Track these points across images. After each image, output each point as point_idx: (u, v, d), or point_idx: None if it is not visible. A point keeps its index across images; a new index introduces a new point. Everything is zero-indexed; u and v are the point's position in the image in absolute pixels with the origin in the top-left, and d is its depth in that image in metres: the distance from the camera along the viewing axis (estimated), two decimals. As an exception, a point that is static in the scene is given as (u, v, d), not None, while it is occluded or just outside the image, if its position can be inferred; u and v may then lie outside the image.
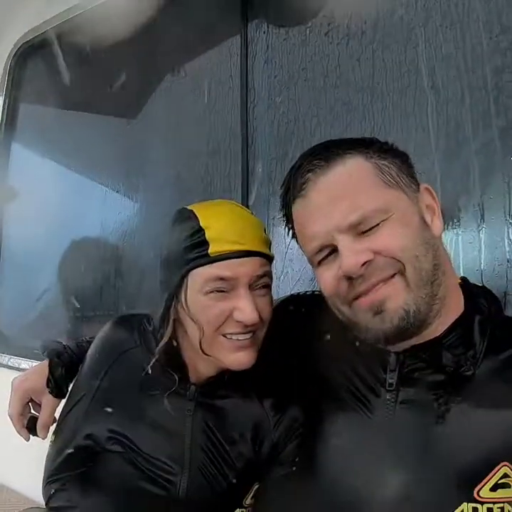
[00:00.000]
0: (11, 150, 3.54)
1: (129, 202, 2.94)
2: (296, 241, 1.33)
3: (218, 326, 1.35)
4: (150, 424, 1.45)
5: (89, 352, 1.61)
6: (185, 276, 1.36)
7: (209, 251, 1.33)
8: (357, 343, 1.32)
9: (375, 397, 1.26)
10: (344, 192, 1.17)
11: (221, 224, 1.36)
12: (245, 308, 1.32)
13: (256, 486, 1.46)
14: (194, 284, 1.35)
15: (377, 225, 1.15)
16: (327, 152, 1.21)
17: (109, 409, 1.48)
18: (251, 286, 1.35)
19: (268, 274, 1.39)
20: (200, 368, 1.47)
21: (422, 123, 1.86)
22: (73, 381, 1.64)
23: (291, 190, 1.26)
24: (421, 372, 1.22)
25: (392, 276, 1.15)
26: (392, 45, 1.97)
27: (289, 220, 1.32)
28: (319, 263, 1.24)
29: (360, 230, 1.15)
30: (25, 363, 2.88)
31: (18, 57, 3.52)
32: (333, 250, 1.19)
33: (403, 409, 1.21)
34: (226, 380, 1.46)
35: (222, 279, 1.32)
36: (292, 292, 1.76)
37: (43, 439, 1.67)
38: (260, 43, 2.40)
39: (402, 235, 1.15)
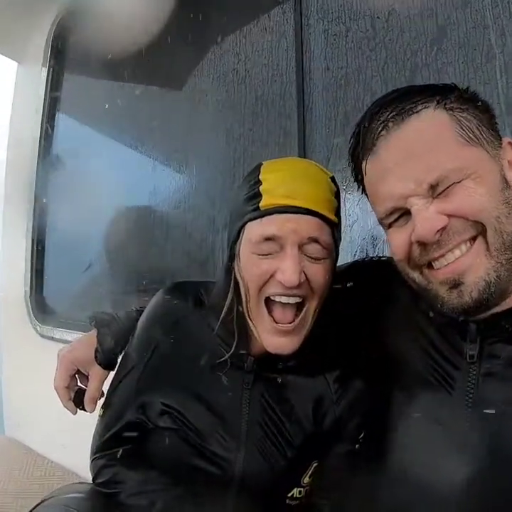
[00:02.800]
0: (57, 121, 3.49)
1: (178, 172, 2.87)
2: (367, 197, 1.23)
3: (261, 285, 1.28)
4: (205, 398, 1.38)
5: (141, 321, 1.54)
6: (241, 229, 1.31)
7: (260, 204, 1.26)
8: (431, 313, 1.23)
9: (455, 370, 1.16)
10: (418, 151, 1.07)
11: (277, 177, 1.29)
12: (287, 269, 1.23)
13: (315, 464, 1.38)
14: (247, 240, 1.30)
15: (454, 184, 1.05)
16: (400, 103, 1.10)
17: (162, 382, 1.41)
18: (302, 249, 1.26)
19: (325, 240, 1.28)
20: (257, 339, 1.37)
21: (490, 78, 1.73)
22: (123, 352, 1.57)
23: (361, 145, 1.16)
24: (504, 343, 1.11)
25: (471, 240, 1.07)
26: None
27: (358, 175, 1.22)
28: (390, 225, 1.15)
29: (436, 191, 1.06)
30: (72, 335, 2.86)
31: (60, 26, 3.46)
32: (406, 213, 1.10)
33: (487, 383, 1.11)
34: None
35: (268, 238, 1.25)
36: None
37: (91, 412, 1.60)
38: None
39: (481, 195, 1.05)
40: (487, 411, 1.09)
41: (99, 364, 1.58)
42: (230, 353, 1.38)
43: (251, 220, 1.28)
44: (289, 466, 1.36)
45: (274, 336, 1.29)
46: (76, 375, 1.63)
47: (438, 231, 1.05)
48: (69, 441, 2.70)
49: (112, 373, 1.58)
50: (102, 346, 1.57)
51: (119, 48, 3.14)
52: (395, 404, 1.24)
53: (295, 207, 1.24)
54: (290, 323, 1.29)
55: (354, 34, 2.11)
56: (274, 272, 1.25)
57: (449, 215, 1.05)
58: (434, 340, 1.21)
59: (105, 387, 1.58)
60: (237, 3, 2.64)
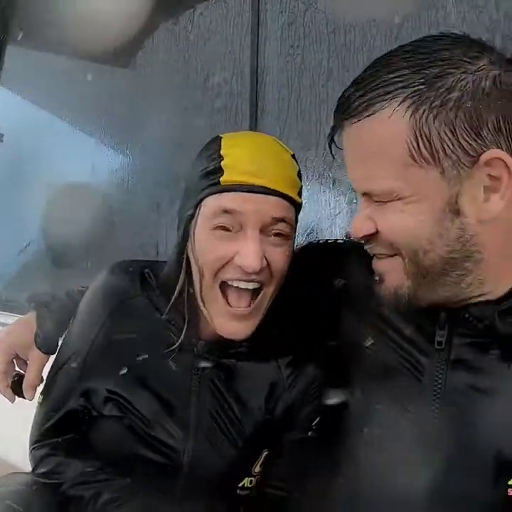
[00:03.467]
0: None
1: (121, 151, 2.82)
2: None
3: (217, 269, 1.20)
4: (152, 384, 1.31)
5: (83, 302, 1.45)
6: (197, 205, 1.22)
7: (221, 179, 1.18)
8: None
9: (422, 356, 1.12)
10: (362, 157, 1.01)
11: (241, 152, 1.21)
12: (248, 254, 1.16)
13: (265, 453, 1.34)
14: (203, 217, 1.21)
15: (391, 201, 0.99)
16: (371, 88, 0.98)
17: (107, 368, 1.33)
18: (263, 231, 1.18)
19: (288, 221, 1.20)
20: (208, 323, 1.30)
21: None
22: (64, 335, 1.48)
23: (339, 113, 1.05)
24: (472, 332, 1.08)
25: (392, 256, 1.05)
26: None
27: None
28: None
29: (371, 197, 1.02)
30: (10, 318, 2.70)
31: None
32: None
33: (455, 370, 1.08)
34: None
35: (227, 212, 1.16)
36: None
37: (30, 400, 1.50)
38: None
39: (412, 223, 0.98)
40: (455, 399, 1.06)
41: (39, 348, 1.48)
42: (180, 339, 1.30)
43: (209, 194, 1.19)
44: (239, 455, 1.31)
45: (228, 320, 1.23)
46: (14, 360, 1.52)
47: (364, 236, 1.03)
48: (7, 431, 2.61)
49: (53, 358, 1.49)
50: (42, 329, 1.47)
51: (66, 22, 3.04)
52: (354, 390, 1.20)
53: (259, 185, 1.16)
54: (246, 307, 1.22)
55: (313, 13, 2.06)
56: (232, 256, 1.18)
57: (377, 229, 1.02)
58: (400, 324, 1.17)
59: (44, 373, 1.50)
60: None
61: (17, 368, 1.53)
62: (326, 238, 1.52)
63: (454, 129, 0.93)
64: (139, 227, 2.58)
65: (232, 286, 1.21)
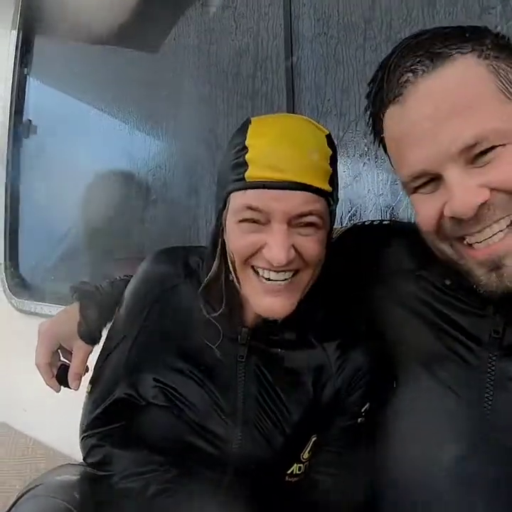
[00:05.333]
0: (28, 85, 3.37)
1: (156, 138, 2.78)
2: (386, 154, 1.11)
3: (247, 256, 1.18)
4: (198, 372, 1.30)
5: (128, 290, 1.44)
6: (226, 198, 1.20)
7: (246, 175, 1.14)
8: (447, 282, 1.15)
9: (475, 345, 1.09)
10: (456, 104, 0.93)
11: (264, 143, 1.16)
12: (274, 247, 1.13)
13: (314, 439, 1.31)
14: (231, 210, 1.19)
15: (494, 149, 0.92)
16: (431, 46, 0.96)
17: (153, 356, 1.32)
18: (291, 223, 1.15)
19: (317, 213, 1.16)
20: (252, 310, 1.29)
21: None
22: (110, 324, 1.47)
23: (384, 90, 1.01)
24: None
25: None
26: None
27: (376, 128, 1.09)
28: (415, 190, 1.03)
29: (473, 154, 0.93)
30: (50, 309, 2.77)
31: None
32: (435, 178, 0.98)
33: (508, 359, 1.05)
34: (279, 323, 1.27)
35: (251, 209, 1.14)
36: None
37: (75, 390, 1.50)
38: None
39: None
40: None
41: (83, 338, 1.48)
42: (214, 315, 1.30)
43: (235, 190, 1.17)
44: (288, 441, 1.28)
45: (264, 296, 1.20)
46: (58, 351, 1.52)
47: (478, 206, 0.93)
48: (51, 419, 2.61)
49: (97, 348, 1.49)
50: (86, 319, 1.47)
51: (94, 9, 3.03)
52: (403, 377, 1.18)
53: (283, 181, 1.12)
54: (281, 282, 1.19)
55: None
56: (261, 246, 1.16)
57: (492, 189, 0.93)
58: (446, 311, 1.14)
59: (90, 363, 1.49)
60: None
61: (62, 358, 1.54)
62: (371, 219, 1.49)
63: None
64: (177, 213, 2.57)
65: (263, 276, 1.19)
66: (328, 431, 1.32)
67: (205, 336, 1.31)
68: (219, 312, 1.30)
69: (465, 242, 0.99)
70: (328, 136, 1.23)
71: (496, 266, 0.96)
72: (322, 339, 1.33)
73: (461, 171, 0.93)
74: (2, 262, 3.22)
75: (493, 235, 0.96)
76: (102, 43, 3.06)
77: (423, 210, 1.03)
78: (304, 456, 1.31)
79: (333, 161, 1.21)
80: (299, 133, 1.20)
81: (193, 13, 2.64)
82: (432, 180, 0.99)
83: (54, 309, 2.67)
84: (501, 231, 0.96)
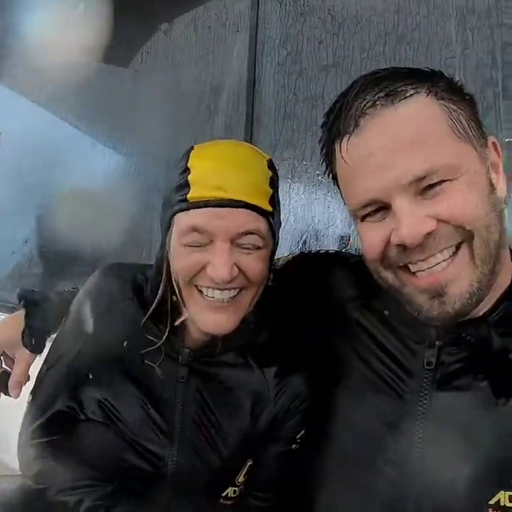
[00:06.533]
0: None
1: (118, 153, 2.79)
2: (336, 185, 1.14)
3: (191, 276, 1.21)
4: (138, 390, 1.31)
5: (74, 303, 1.44)
6: (170, 219, 1.23)
7: (188, 195, 1.18)
8: (386, 312, 1.18)
9: (407, 374, 1.11)
10: (409, 138, 0.97)
11: (206, 165, 1.20)
12: (218, 265, 1.16)
13: (249, 463, 1.33)
14: (176, 231, 1.21)
15: (442, 183, 0.96)
16: (390, 83, 1.00)
17: (94, 371, 1.32)
18: (234, 242, 1.18)
19: (259, 231, 1.19)
20: (194, 331, 1.32)
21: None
22: (55, 335, 1.47)
23: (342, 121, 1.04)
24: (462, 351, 1.07)
25: (456, 247, 0.99)
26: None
27: (330, 157, 1.11)
28: (364, 218, 1.06)
29: (423, 186, 0.96)
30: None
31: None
32: (384, 207, 1.01)
33: (441, 392, 1.07)
34: (220, 345, 1.31)
35: (196, 230, 1.17)
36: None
37: (15, 398, 1.48)
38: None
39: (473, 199, 0.97)
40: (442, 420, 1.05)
41: (26, 347, 1.46)
42: (161, 342, 1.31)
43: (179, 211, 1.20)
44: (223, 464, 1.30)
45: (209, 312, 1.22)
46: (1, 358, 1.51)
47: (424, 235, 0.97)
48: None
49: (40, 357, 1.48)
50: (30, 327, 1.46)
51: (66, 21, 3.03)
52: (338, 408, 1.19)
53: (225, 199, 1.15)
54: (224, 300, 1.21)
55: (311, 20, 2.07)
56: (204, 265, 1.18)
57: (439, 220, 0.96)
58: (384, 341, 1.17)
59: (32, 372, 1.47)
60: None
61: (4, 366, 1.51)
62: (317, 249, 1.52)
63: (468, 116, 1.01)
64: (133, 229, 2.57)
65: (207, 295, 1.21)
66: (264, 455, 1.33)
67: (146, 355, 1.32)
68: (163, 332, 1.31)
69: (409, 270, 1.02)
70: (270, 161, 1.28)
71: (438, 293, 0.99)
72: (262, 363, 1.36)
73: (410, 201, 0.96)
74: None
75: (437, 264, 0.99)
76: (72, 54, 3.05)
77: (370, 237, 1.05)
78: (239, 480, 1.32)
79: (273, 183, 1.25)
80: (240, 155, 1.25)
81: (159, 34, 2.67)
82: (381, 209, 1.01)
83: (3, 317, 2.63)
84: (444, 261, 0.99)
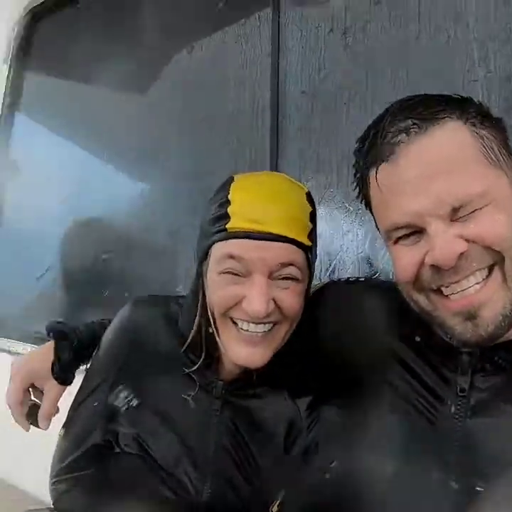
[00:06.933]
0: (15, 122, 3.38)
1: (140, 180, 2.79)
2: (369, 210, 1.15)
3: (226, 308, 1.21)
4: (172, 424, 1.30)
5: (106, 336, 1.45)
6: (208, 250, 1.23)
7: (228, 226, 1.18)
8: (417, 338, 1.16)
9: (440, 404, 1.09)
10: (442, 168, 0.97)
11: (247, 197, 1.21)
12: (253, 300, 1.16)
13: (283, 493, 1.29)
14: (213, 261, 1.22)
15: (474, 211, 0.97)
16: (422, 110, 1.01)
17: (128, 405, 1.32)
18: (271, 275, 1.18)
19: (296, 264, 1.20)
20: (228, 363, 1.32)
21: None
22: (88, 367, 1.47)
23: (376, 150, 1.05)
24: (494, 376, 1.05)
25: (488, 269, 0.99)
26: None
27: (363, 183, 1.12)
28: (397, 240, 1.05)
29: (457, 214, 0.97)
30: (24, 348, 2.73)
31: (27, 22, 3.34)
32: (418, 231, 1.01)
33: (475, 418, 1.05)
34: (255, 377, 1.32)
35: (233, 258, 1.17)
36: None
37: (45, 429, 1.50)
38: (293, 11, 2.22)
39: (502, 222, 0.97)
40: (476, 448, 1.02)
41: (56, 379, 1.48)
42: (194, 373, 1.31)
43: (217, 241, 1.20)
44: (257, 495, 1.29)
45: (242, 345, 1.22)
46: (30, 390, 1.52)
47: (457, 256, 0.96)
48: (22, 460, 2.57)
49: (69, 388, 1.49)
50: (60, 360, 1.47)
51: (82, 49, 3.09)
52: (370, 436, 1.17)
53: (266, 232, 1.16)
54: (258, 333, 1.22)
55: (332, 39, 2.07)
56: (240, 299, 1.19)
57: (469, 241, 0.96)
58: (416, 368, 1.15)
59: (61, 404, 1.49)
60: (208, 10, 2.56)
61: (33, 397, 1.52)
62: (347, 277, 1.50)
63: (498, 141, 1.02)
64: (158, 259, 2.56)
65: (241, 328, 1.21)
66: (297, 486, 1.29)
67: (180, 387, 1.32)
68: (197, 365, 1.31)
69: (441, 293, 1.01)
70: (308, 194, 1.28)
71: (471, 316, 0.98)
72: (295, 395, 1.35)
73: (445, 226, 0.96)
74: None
75: (470, 286, 0.98)
76: (90, 81, 3.10)
77: (404, 260, 1.04)
78: (272, 510, 1.28)
79: (313, 218, 1.26)
80: (280, 189, 1.25)
81: (181, 58, 2.68)
82: (415, 232, 1.01)
83: (28, 348, 2.66)
84: (477, 283, 0.98)
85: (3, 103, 3.34)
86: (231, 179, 1.27)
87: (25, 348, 2.69)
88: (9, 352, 2.85)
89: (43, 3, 3.23)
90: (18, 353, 2.71)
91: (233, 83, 2.40)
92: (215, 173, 2.23)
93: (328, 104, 2.05)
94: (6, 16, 3.34)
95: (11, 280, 3.26)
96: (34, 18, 3.33)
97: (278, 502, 1.29)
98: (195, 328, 1.30)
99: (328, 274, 1.87)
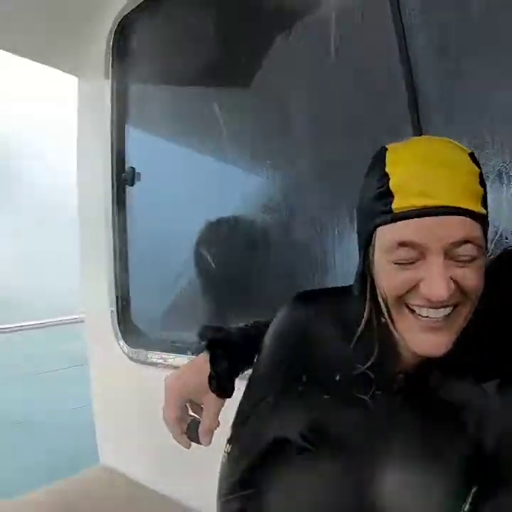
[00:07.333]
0: (127, 134, 3.36)
1: (265, 177, 2.67)
2: None
3: (401, 294, 1.08)
4: (346, 427, 1.20)
5: (267, 339, 1.34)
6: (372, 233, 1.10)
7: (392, 206, 1.04)
8: None
9: None
10: None
11: (408, 168, 1.05)
12: (434, 283, 1.02)
13: (474, 490, 1.17)
14: (381, 246, 1.09)
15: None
16: None
17: (300, 413, 1.22)
18: (448, 254, 1.03)
19: (475, 240, 1.04)
20: (405, 354, 1.19)
21: None
22: (249, 376, 1.38)
23: None
24: None
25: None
26: None
27: None
28: None
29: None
30: (164, 357, 2.76)
31: (121, 32, 3.30)
32: None
33: None
34: (435, 364, 1.18)
35: (405, 245, 1.03)
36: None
37: (206, 446, 1.42)
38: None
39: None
40: None
41: (214, 392, 1.39)
42: (367, 365, 1.19)
43: (383, 223, 1.07)
44: (446, 493, 1.16)
45: (422, 333, 1.09)
46: (187, 404, 1.45)
47: None
48: (174, 471, 2.59)
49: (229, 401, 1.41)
50: (217, 371, 1.39)
51: (183, 50, 3.03)
52: None
53: (435, 206, 1.01)
54: (438, 319, 1.08)
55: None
56: (416, 283, 1.06)
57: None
58: None
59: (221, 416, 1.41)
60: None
61: (191, 413, 1.45)
62: None
63: None
64: (299, 255, 2.45)
65: (420, 315, 1.08)
66: (492, 481, 1.17)
67: (355, 387, 1.20)
68: (371, 360, 1.19)
69: None
70: (472, 155, 1.12)
71: None
72: (481, 379, 1.20)
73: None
74: (114, 309, 3.20)
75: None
76: (193, 83, 3.03)
77: None
78: (465, 509, 1.17)
79: (482, 180, 1.09)
80: (444, 152, 1.09)
81: (283, 43, 2.53)
82: None
83: (170, 358, 2.67)
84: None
85: (112, 117, 3.33)
86: (384, 150, 1.13)
87: (167, 359, 2.71)
88: (151, 363, 2.88)
89: (134, 10, 3.19)
90: (160, 364, 2.72)
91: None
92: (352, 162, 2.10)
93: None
94: (100, 30, 3.31)
95: (146, 292, 3.28)
96: (127, 28, 3.29)
97: (470, 499, 1.17)
98: (365, 318, 1.18)
99: (493, 244, 1.70)
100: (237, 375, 1.42)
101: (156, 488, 2.77)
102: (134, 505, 2.66)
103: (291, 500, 1.22)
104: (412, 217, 1.02)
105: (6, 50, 3.22)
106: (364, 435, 1.18)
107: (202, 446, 1.42)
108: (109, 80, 3.34)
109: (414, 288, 1.06)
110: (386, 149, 1.13)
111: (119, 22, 3.26)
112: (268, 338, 1.33)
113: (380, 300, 1.13)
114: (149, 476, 2.86)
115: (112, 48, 3.32)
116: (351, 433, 1.18)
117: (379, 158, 1.12)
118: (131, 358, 3.05)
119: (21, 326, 5.38)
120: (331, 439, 1.18)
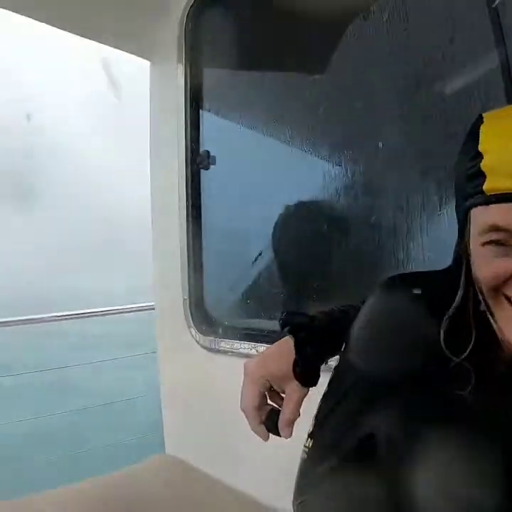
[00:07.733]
0: (201, 119, 3.32)
1: (336, 164, 2.59)
2: None
3: (496, 285, 0.98)
4: (440, 424, 1.09)
5: (354, 329, 1.25)
6: (466, 213, 1.02)
7: (484, 187, 0.94)
8: None
9: None
10: None
11: (503, 146, 0.94)
12: None
13: None
14: (473, 229, 1.01)
15: None
16: None
17: (388, 406, 1.13)
18: None
19: None
20: (506, 346, 1.08)
21: None
22: (335, 366, 1.28)
23: None
24: None
25: None
26: None
27: None
28: None
29: None
30: (237, 346, 2.71)
31: (193, 16, 3.26)
32: None
33: None
34: None
35: (498, 229, 0.94)
36: None
37: (286, 438, 1.35)
38: None
39: None
40: None
41: (298, 380, 1.32)
42: (463, 356, 1.07)
43: (475, 205, 0.99)
44: None
45: None
46: (266, 393, 1.38)
47: None
48: (241, 462, 2.51)
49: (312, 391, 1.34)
50: (302, 357, 1.31)
51: (257, 35, 2.97)
52: None
53: None
54: None
55: None
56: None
57: None
58: None
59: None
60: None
61: (270, 402, 1.39)
62: None
63: None
64: (380, 238, 2.35)
65: None
66: None
67: (450, 381, 1.09)
68: (468, 350, 1.08)
69: None
70: None
71: None
72: None
73: None
74: (187, 297, 3.17)
75: None
76: (269, 68, 2.97)
77: None
78: None
79: None
80: None
81: (355, 26, 2.44)
82: None
83: (244, 347, 2.63)
84: None
85: (185, 101, 3.30)
86: (480, 120, 1.02)
87: (241, 347, 2.67)
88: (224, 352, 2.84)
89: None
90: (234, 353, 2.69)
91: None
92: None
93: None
94: (173, 14, 3.28)
95: (219, 278, 3.24)
96: (200, 12, 3.25)
97: None
98: (456, 305, 1.08)
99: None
100: (322, 363, 1.35)
101: (222, 479, 2.72)
102: (198, 495, 2.62)
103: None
104: (504, 201, 0.93)
105: (76, 34, 3.22)
106: (461, 436, 1.06)
107: (280, 438, 1.36)
108: (182, 64, 3.31)
109: (510, 278, 0.97)
110: (482, 121, 1.01)
111: (192, 4, 3.22)
112: (354, 330, 1.25)
113: (477, 287, 1.05)
114: (217, 467, 2.80)
115: (185, 31, 3.28)
116: (450, 433, 1.07)
117: (472, 132, 1.02)
118: (202, 346, 3.01)
119: (93, 312, 5.54)
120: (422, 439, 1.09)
